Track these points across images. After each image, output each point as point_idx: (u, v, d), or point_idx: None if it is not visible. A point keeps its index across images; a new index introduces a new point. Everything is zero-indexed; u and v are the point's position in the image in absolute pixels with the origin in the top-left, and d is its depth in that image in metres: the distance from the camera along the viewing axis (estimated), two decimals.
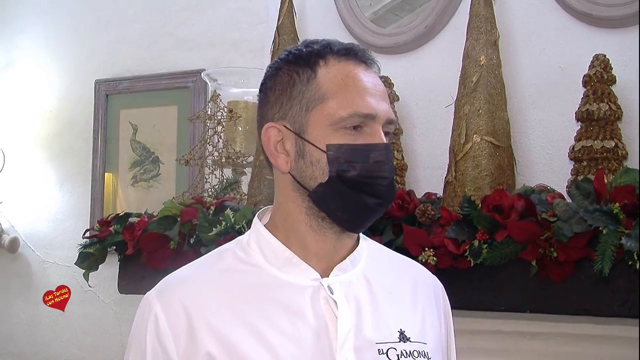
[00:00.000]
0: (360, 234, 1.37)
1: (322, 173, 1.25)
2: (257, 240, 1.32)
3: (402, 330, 1.29)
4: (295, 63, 1.29)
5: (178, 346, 1.23)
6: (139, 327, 1.29)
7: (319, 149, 1.24)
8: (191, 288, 1.28)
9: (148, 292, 1.31)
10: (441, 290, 1.45)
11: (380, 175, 1.26)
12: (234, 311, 1.24)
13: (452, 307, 1.93)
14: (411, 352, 1.27)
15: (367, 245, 1.38)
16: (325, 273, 1.29)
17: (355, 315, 1.26)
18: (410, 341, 1.29)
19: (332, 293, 1.26)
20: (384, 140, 1.26)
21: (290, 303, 1.25)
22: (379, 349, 1.25)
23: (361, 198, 1.25)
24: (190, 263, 1.36)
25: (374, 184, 1.25)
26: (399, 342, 1.28)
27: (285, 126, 1.28)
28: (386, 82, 2.61)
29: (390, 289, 1.34)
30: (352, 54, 1.29)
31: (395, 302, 1.33)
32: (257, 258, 1.30)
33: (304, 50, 1.30)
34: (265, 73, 1.34)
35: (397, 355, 1.26)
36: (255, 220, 1.36)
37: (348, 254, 1.32)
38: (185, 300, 1.25)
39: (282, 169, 1.29)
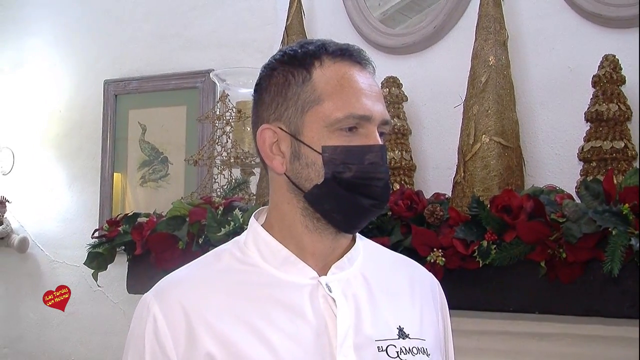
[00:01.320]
0: (357, 233, 1.37)
1: (318, 174, 1.25)
2: (255, 240, 1.33)
3: (401, 327, 1.29)
4: (290, 64, 1.29)
5: (177, 347, 1.23)
6: (137, 329, 1.28)
7: (315, 150, 1.25)
8: (189, 289, 1.28)
9: (145, 294, 1.31)
10: (437, 287, 1.45)
11: (375, 176, 1.26)
12: (233, 311, 1.24)
13: (461, 308, 1.94)
14: (410, 348, 1.28)
15: (364, 244, 1.39)
16: (322, 272, 1.29)
17: (354, 313, 1.26)
18: (409, 338, 1.29)
19: (330, 291, 1.26)
20: (379, 141, 1.26)
21: (289, 302, 1.25)
22: (378, 346, 1.25)
23: (356, 199, 1.25)
24: (188, 264, 1.36)
25: (369, 185, 1.25)
26: (398, 339, 1.28)
27: (280, 128, 1.28)
28: (395, 82, 2.62)
29: (387, 287, 1.34)
30: (347, 54, 1.29)
31: (393, 299, 1.33)
32: (254, 258, 1.31)
33: (299, 50, 1.30)
34: (260, 73, 1.34)
35: (397, 352, 1.26)
36: (252, 220, 1.36)
37: (344, 253, 1.32)
38: (183, 300, 1.25)
39: (277, 171, 1.29)
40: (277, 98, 1.28)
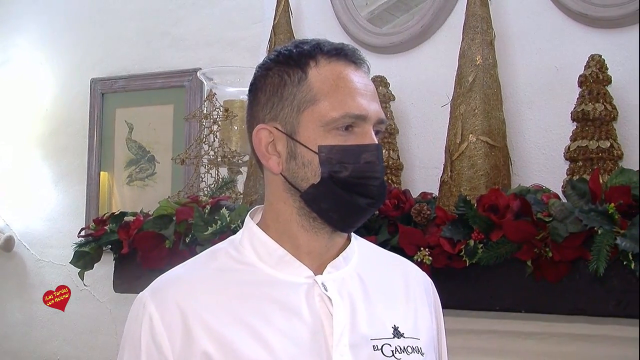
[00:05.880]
0: (352, 233, 1.37)
1: (314, 174, 1.25)
2: (250, 239, 1.33)
3: (396, 326, 1.30)
4: (286, 64, 1.29)
5: (174, 346, 1.23)
6: (133, 328, 1.28)
7: (311, 150, 1.25)
8: (185, 287, 1.28)
9: (141, 293, 1.31)
10: (431, 286, 1.46)
11: (372, 175, 1.26)
12: (229, 310, 1.24)
13: (448, 307, 1.93)
14: (405, 347, 1.29)
15: (358, 244, 1.39)
16: (317, 271, 1.29)
17: (349, 312, 1.27)
18: (404, 337, 1.30)
19: (326, 290, 1.27)
20: (375, 140, 1.27)
21: (285, 300, 1.25)
22: (373, 345, 1.26)
23: (353, 198, 1.26)
24: (183, 263, 1.36)
25: (365, 185, 1.26)
26: (393, 337, 1.29)
27: (276, 127, 1.28)
28: (382, 81, 2.62)
29: (382, 286, 1.35)
30: (342, 54, 1.29)
31: (388, 298, 1.34)
32: (250, 257, 1.31)
33: (294, 50, 1.30)
34: (255, 73, 1.34)
35: (392, 350, 1.27)
36: (248, 219, 1.37)
37: (340, 252, 1.33)
38: (179, 299, 1.25)
39: (273, 171, 1.29)
40: (272, 98, 1.29)
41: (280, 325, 1.23)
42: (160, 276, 1.34)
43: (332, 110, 1.24)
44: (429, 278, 1.47)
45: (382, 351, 1.26)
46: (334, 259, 1.31)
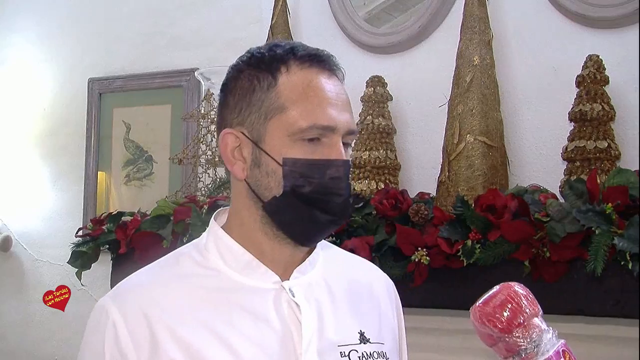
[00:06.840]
0: None
1: (277, 185, 1.21)
2: (216, 243, 1.29)
3: (362, 331, 1.29)
4: (257, 67, 1.25)
5: (140, 354, 1.18)
6: (94, 337, 1.23)
7: (275, 161, 1.21)
8: (149, 293, 1.24)
9: (102, 298, 1.25)
10: (392, 287, 1.44)
11: (335, 192, 1.22)
12: (195, 316, 1.21)
13: (445, 307, 1.93)
14: (371, 353, 1.27)
15: (322, 247, 1.36)
16: (284, 276, 1.27)
17: (317, 318, 1.25)
18: (369, 342, 1.28)
19: (293, 296, 1.25)
20: (343, 155, 1.22)
21: (252, 307, 1.23)
22: (341, 352, 1.24)
23: (314, 214, 1.22)
24: (146, 267, 1.32)
25: (328, 201, 1.22)
26: (360, 343, 1.27)
27: (243, 133, 1.24)
28: (380, 81, 2.62)
29: (348, 291, 1.33)
30: (315, 60, 1.24)
31: (354, 303, 1.32)
32: (215, 261, 1.27)
33: (267, 54, 1.26)
34: (227, 73, 1.30)
35: (359, 356, 1.25)
36: (212, 222, 1.33)
37: (305, 257, 1.30)
38: (144, 305, 1.21)
39: (238, 176, 1.25)
40: (240, 102, 1.25)
41: (249, 333, 1.20)
42: (121, 282, 1.29)
43: (300, 119, 1.19)
44: (390, 279, 1.45)
45: (349, 357, 1.24)
46: (299, 264, 1.29)
